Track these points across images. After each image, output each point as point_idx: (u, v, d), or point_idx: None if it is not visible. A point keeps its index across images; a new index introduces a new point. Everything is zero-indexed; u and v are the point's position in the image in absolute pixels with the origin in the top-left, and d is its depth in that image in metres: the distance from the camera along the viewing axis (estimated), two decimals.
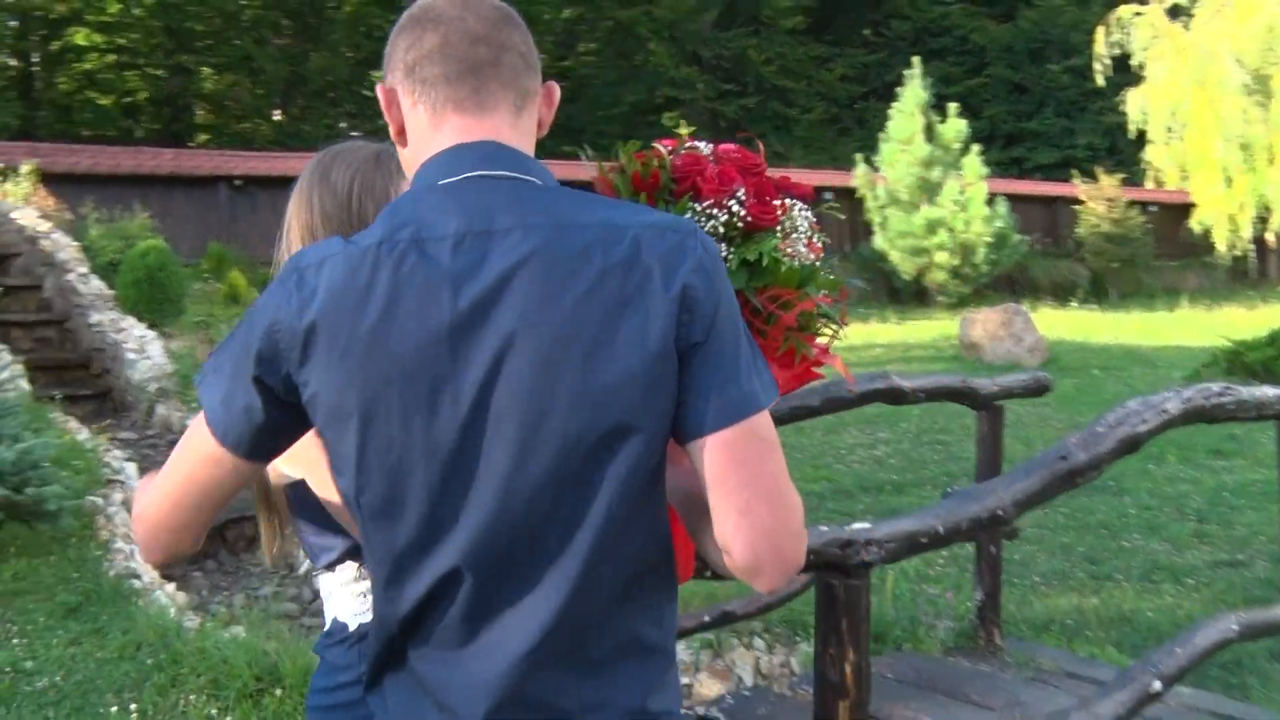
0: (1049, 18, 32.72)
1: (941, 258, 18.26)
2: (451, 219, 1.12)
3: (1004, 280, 20.10)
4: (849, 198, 20.13)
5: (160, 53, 27.61)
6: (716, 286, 1.11)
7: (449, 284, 1.09)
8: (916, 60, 19.13)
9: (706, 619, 3.41)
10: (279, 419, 1.16)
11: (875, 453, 8.38)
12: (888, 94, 20.43)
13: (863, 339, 15.40)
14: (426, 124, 1.21)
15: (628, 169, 1.44)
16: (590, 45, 33.76)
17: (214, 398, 1.16)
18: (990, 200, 18.51)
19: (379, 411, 1.09)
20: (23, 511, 4.90)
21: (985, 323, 13.17)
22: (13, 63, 26.82)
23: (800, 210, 1.48)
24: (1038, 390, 3.98)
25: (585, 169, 1.53)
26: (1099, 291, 20.85)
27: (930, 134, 18.70)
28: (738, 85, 31.86)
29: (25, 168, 11.70)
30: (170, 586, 4.85)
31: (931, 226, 18.22)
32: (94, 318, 8.99)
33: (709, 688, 3.97)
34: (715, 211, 1.39)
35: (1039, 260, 21.47)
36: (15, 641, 4.11)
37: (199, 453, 1.18)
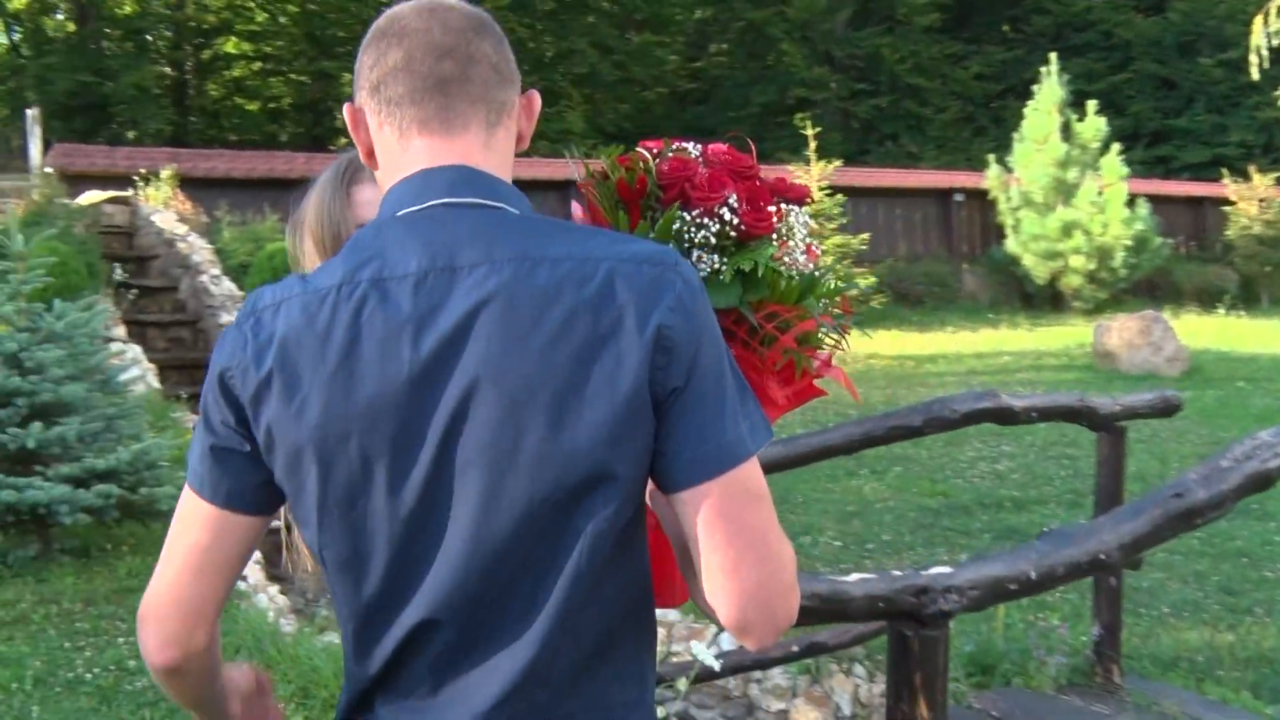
0: (1202, 9, 31.19)
1: (1077, 262, 17.54)
2: (413, 255, 1.05)
3: (1144, 285, 19.21)
4: (981, 199, 19.56)
5: (303, 59, 28.52)
6: (698, 325, 1.03)
7: (410, 329, 1.02)
8: (1053, 57, 18.42)
9: (795, 649, 3.26)
10: (257, 467, 1.09)
11: (997, 467, 8.05)
12: (1026, 92, 19.72)
13: (992, 346, 14.92)
14: (394, 146, 1.13)
15: (611, 176, 1.34)
16: (722, 46, 33.63)
17: (193, 455, 1.13)
18: (1131, 201, 17.70)
19: (339, 463, 1.04)
20: (137, 510, 5.05)
21: (1122, 330, 12.56)
22: (167, 71, 28.05)
23: (796, 215, 1.38)
24: (1166, 410, 3.71)
25: (572, 169, 1.44)
26: (1249, 297, 19.75)
27: (1067, 133, 17.98)
28: (870, 85, 31.27)
29: (165, 172, 12.18)
30: (274, 589, 4.92)
31: (1067, 229, 17.51)
32: (224, 319, 9.28)
33: (805, 715, 3.82)
34: (706, 220, 1.29)
35: (1183, 264, 20.46)
36: (121, 640, 4.22)
37: (192, 519, 1.12)
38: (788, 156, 20.73)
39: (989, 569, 1.80)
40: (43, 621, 4.52)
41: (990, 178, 18.76)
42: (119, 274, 10.25)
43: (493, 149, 1.13)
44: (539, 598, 1.04)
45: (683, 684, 2.85)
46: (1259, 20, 21.59)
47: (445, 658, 1.06)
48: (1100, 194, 17.55)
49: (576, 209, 1.39)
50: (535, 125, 1.20)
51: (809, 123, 18.21)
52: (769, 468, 3.14)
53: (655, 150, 1.36)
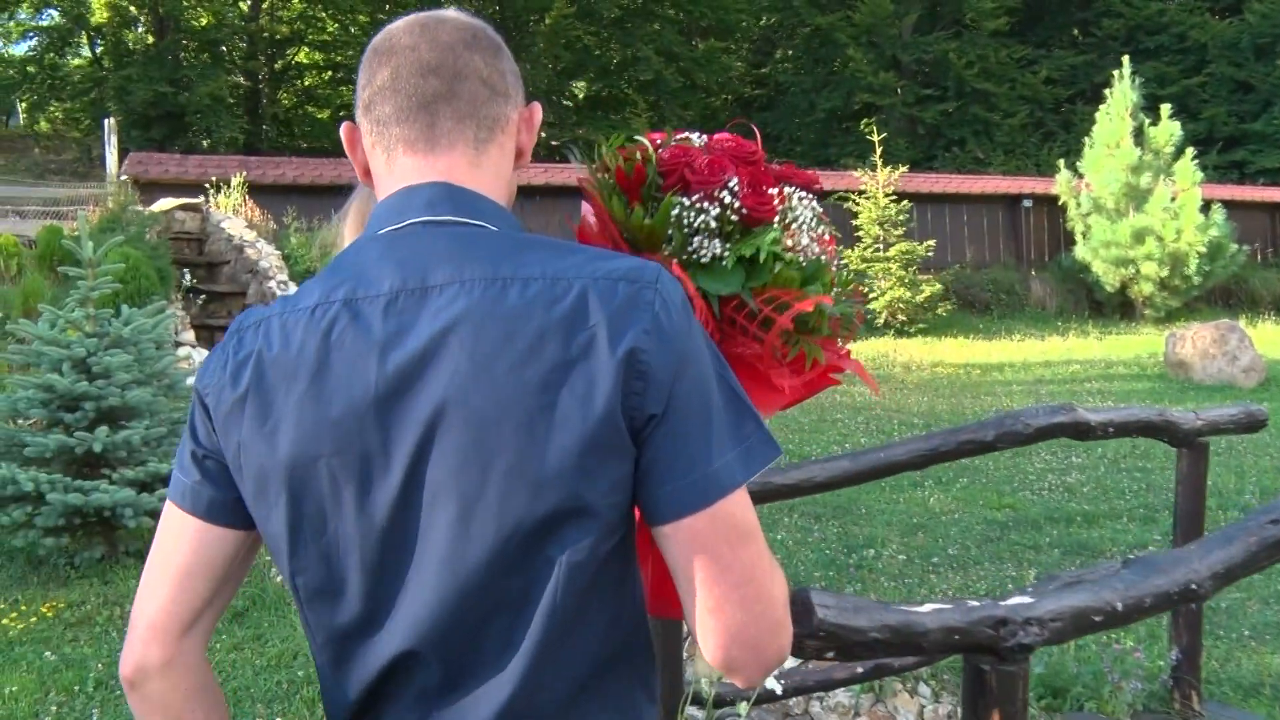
0: None
1: (1149, 269, 17.14)
2: (386, 274, 1.02)
3: (1218, 293, 18.73)
4: (1050, 205, 19.20)
5: None
6: (678, 347, 0.97)
7: (377, 351, 1.00)
8: (1125, 60, 18.03)
9: (860, 670, 3.16)
10: (231, 478, 1.07)
11: (1067, 479, 7.83)
12: (1096, 96, 19.36)
13: (1061, 355, 14.61)
14: (383, 166, 1.11)
15: (610, 165, 1.31)
16: (787, 52, 33.48)
17: (177, 466, 1.11)
18: (1206, 207, 17.25)
19: (310, 486, 1.01)
20: None
21: (1196, 339, 12.22)
22: (241, 81, 28.60)
23: (802, 199, 1.33)
24: (1251, 425, 3.55)
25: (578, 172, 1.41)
26: None
27: (1140, 137, 17.57)
28: (937, 90, 30.89)
29: (235, 179, 12.36)
30: None
31: (1139, 235, 17.12)
32: None
33: None
34: (706, 205, 1.26)
35: (1259, 271, 19.90)
36: None
37: (173, 532, 1.10)
38: (853, 163, 20.55)
39: (1072, 599, 1.70)
40: (106, 624, 4.57)
41: (1060, 183, 18.42)
42: (189, 279, 10.42)
43: (482, 166, 1.10)
44: (515, 632, 1.00)
45: (744, 708, 2.77)
46: None
47: (429, 692, 1.02)
48: (1174, 200, 17.13)
49: (586, 208, 1.37)
50: (536, 138, 1.17)
51: (875, 128, 18.03)
52: (834, 482, 3.06)
53: (658, 141, 1.33)
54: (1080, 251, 18.12)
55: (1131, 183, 17.35)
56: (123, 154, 14.59)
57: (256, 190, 12.82)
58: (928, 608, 1.55)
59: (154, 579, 1.09)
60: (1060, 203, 18.58)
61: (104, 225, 9.27)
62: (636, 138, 1.36)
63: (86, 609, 4.73)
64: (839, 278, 1.37)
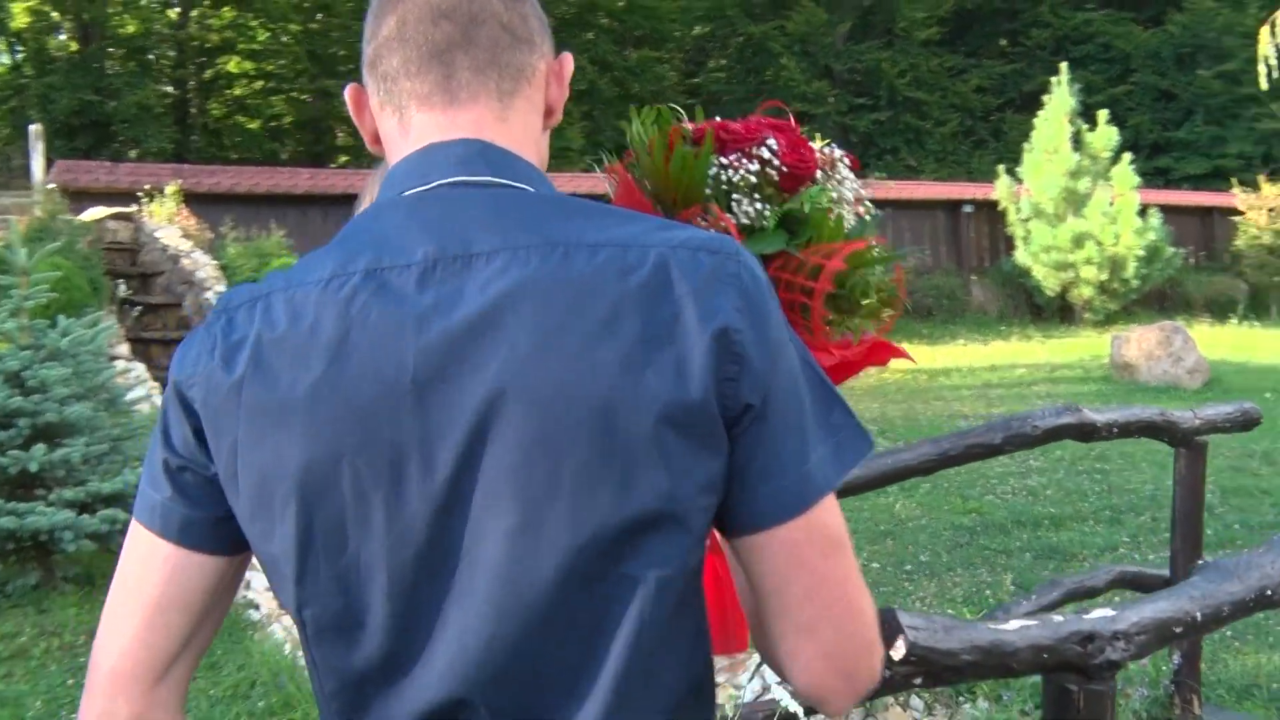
0: (1200, 22, 31.21)
1: (1088, 273, 17.36)
2: (417, 241, 0.86)
3: (1154, 296, 19.04)
4: (991, 210, 19.38)
5: (305, 78, 28.44)
6: (772, 325, 0.85)
7: (413, 326, 0.83)
8: (1064, 67, 18.27)
9: None
10: (223, 495, 0.88)
11: (1028, 482, 7.81)
12: (1025, 104, 19.66)
13: (1005, 359, 14.70)
14: (395, 128, 0.96)
15: (646, 133, 1.26)
16: (721, 61, 33.55)
17: (144, 480, 0.92)
18: (1142, 212, 17.53)
19: (326, 495, 0.83)
20: None
21: (1141, 341, 12.34)
22: (169, 90, 27.92)
23: (844, 161, 1.30)
24: (1246, 424, 3.48)
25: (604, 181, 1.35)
26: (1258, 307, 19.57)
27: (1078, 143, 17.82)
28: (870, 99, 31.18)
29: (170, 189, 11.98)
30: (288, 619, 4.66)
31: (1078, 240, 17.33)
32: None
33: None
34: (745, 161, 1.20)
35: (1192, 275, 20.29)
36: None
37: (140, 560, 0.91)
38: None
39: (1152, 610, 1.57)
40: (44, 656, 4.28)
41: (1000, 188, 18.60)
42: (122, 291, 10.04)
43: (509, 122, 0.95)
44: (589, 668, 0.83)
45: None
46: (1265, 31, 21.55)
47: None
48: (1111, 204, 17.38)
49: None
50: (568, 94, 1.01)
51: (816, 136, 18.06)
52: (845, 490, 2.93)
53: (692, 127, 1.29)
54: (1021, 256, 18.31)
55: (1070, 187, 17.57)
56: (49, 162, 14.09)
57: (192, 199, 12.43)
58: (1013, 625, 1.40)
59: (118, 616, 0.90)
60: (1000, 208, 18.75)
61: (33, 235, 8.88)
62: (670, 106, 1.32)
63: (21, 641, 4.43)
64: (883, 253, 1.32)
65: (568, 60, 1.00)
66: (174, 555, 0.89)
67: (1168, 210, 18.98)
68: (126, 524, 4.65)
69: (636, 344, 0.81)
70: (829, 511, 0.86)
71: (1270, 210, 20.19)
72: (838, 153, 1.34)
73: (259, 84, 29.04)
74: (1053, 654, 1.42)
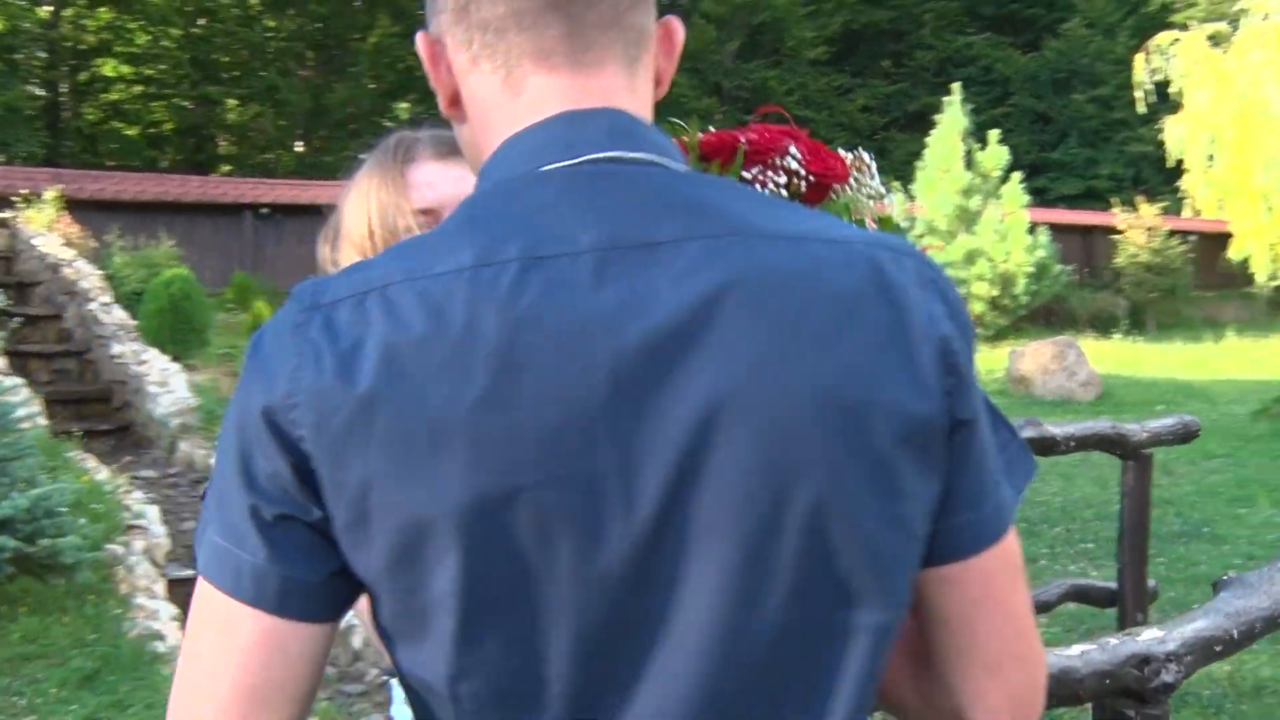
0: (1075, 48, 32.51)
1: (980, 288, 17.77)
2: (578, 225, 0.71)
3: (1042, 312, 19.60)
4: (882, 227, 19.72)
5: (187, 84, 27.58)
6: (972, 337, 0.77)
7: (601, 330, 0.68)
8: (956, 87, 18.74)
9: None
10: (330, 547, 0.71)
11: None
12: (909, 124, 20.09)
13: None
14: (497, 88, 0.78)
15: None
16: None
17: (217, 530, 0.72)
18: (1031, 229, 18.06)
19: (497, 538, 0.67)
20: (36, 565, 4.45)
21: (1036, 355, 12.67)
22: (40, 93, 26.73)
23: (871, 162, 1.22)
24: (1186, 436, 3.52)
25: None
26: (1138, 323, 20.33)
27: (969, 162, 18.27)
28: (758, 117, 31.64)
29: (49, 194, 11.37)
30: None
31: (970, 256, 17.74)
32: (116, 349, 8.63)
33: None
34: (770, 174, 1.11)
35: (1076, 291, 20.96)
36: None
37: (222, 637, 0.71)
38: None
39: (1194, 630, 1.50)
40: None
41: (894, 205, 18.90)
42: None
43: (638, 93, 0.80)
44: None
45: None
46: (1140, 58, 22.49)
47: None
48: (1002, 221, 17.84)
49: None
50: (676, 66, 0.86)
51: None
52: None
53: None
54: None
55: (962, 205, 17.98)
56: None
57: (74, 206, 11.80)
58: (1075, 649, 1.30)
59: (199, 712, 0.71)
60: (891, 225, 19.08)
61: None
62: (675, 121, 1.19)
63: None
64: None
65: (678, 27, 0.84)
66: (272, 628, 0.70)
67: (1052, 228, 19.58)
68: (15, 553, 4.31)
69: (871, 351, 0.70)
70: (1014, 537, 0.78)
71: (1149, 229, 21.01)
72: (866, 157, 1.25)
73: (138, 88, 28.03)
74: (1114, 679, 1.33)
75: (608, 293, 0.68)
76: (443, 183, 1.36)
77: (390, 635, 0.71)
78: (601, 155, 0.74)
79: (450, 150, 1.39)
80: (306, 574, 0.70)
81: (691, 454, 0.67)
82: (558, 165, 0.74)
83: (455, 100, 0.81)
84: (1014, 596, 0.78)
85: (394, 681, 1.30)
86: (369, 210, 1.37)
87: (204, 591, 0.72)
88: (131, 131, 28.11)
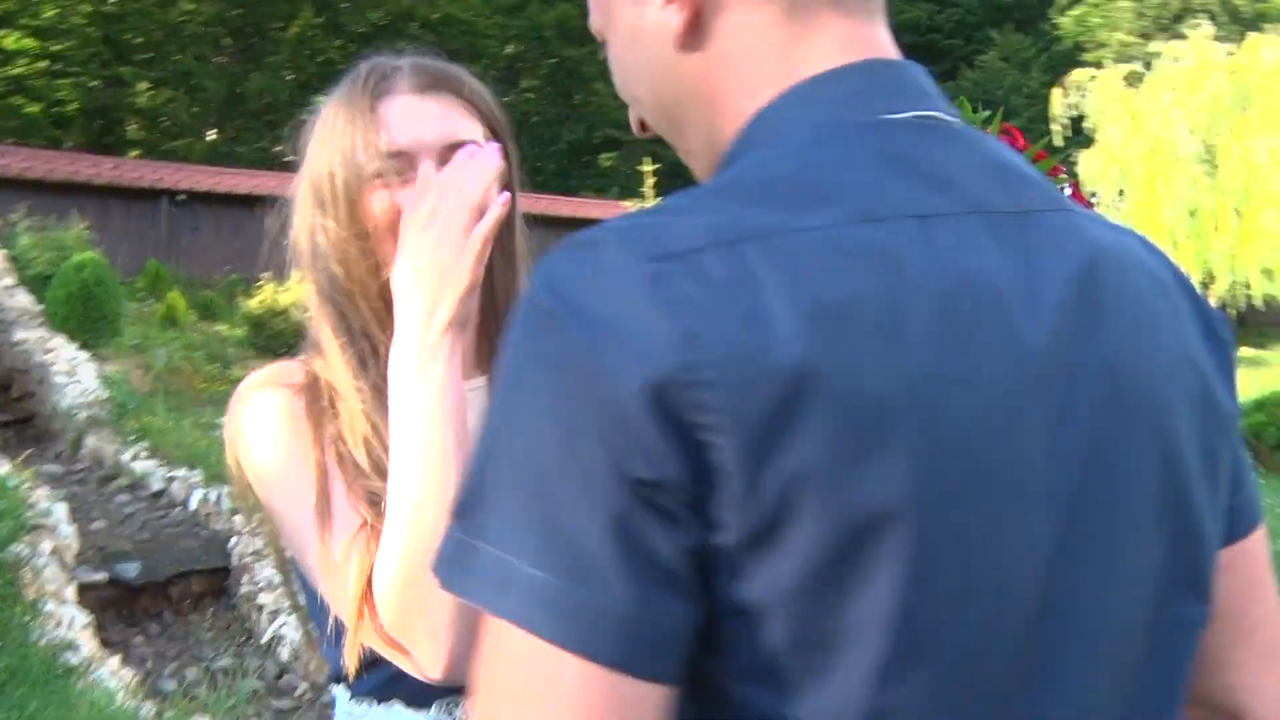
0: (991, 80, 33.39)
1: None
2: (933, 188, 0.61)
3: None
4: None
5: (96, 63, 26.69)
6: None
7: (1021, 299, 0.60)
8: None
9: None
10: (709, 580, 0.54)
11: None
12: None
13: None
14: (773, 21, 0.66)
15: None
16: (533, 82, 33.58)
17: (530, 565, 0.52)
18: None
19: (943, 540, 0.55)
20: None
21: None
22: None
23: None
24: None
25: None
26: None
27: None
28: None
29: None
30: (115, 660, 4.09)
31: None
32: (19, 335, 8.24)
33: None
34: None
35: None
36: None
37: (570, 711, 0.51)
38: (592, 195, 20.68)
39: None
40: None
41: None
42: None
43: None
44: None
45: None
46: (1058, 92, 23.15)
47: None
48: None
49: None
50: None
51: (647, 160, 18.11)
52: None
53: None
54: None
55: None
56: None
57: None
58: None
59: None
60: None
61: None
62: None
63: None
64: None
65: None
66: (639, 700, 0.52)
67: None
68: None
69: (1200, 336, 0.69)
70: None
71: None
72: None
73: (42, 64, 27.03)
74: None
75: (1008, 259, 0.61)
76: (421, 121, 1.12)
77: (763, 673, 0.54)
78: (929, 113, 0.66)
79: (434, 83, 1.16)
80: (683, 617, 0.53)
81: (1096, 433, 0.61)
82: (896, 117, 0.65)
83: (694, 24, 0.66)
84: (1273, 576, 0.77)
85: (337, 689, 1.12)
86: (329, 149, 1.12)
87: (529, 645, 0.52)
88: (34, 109, 27.09)
